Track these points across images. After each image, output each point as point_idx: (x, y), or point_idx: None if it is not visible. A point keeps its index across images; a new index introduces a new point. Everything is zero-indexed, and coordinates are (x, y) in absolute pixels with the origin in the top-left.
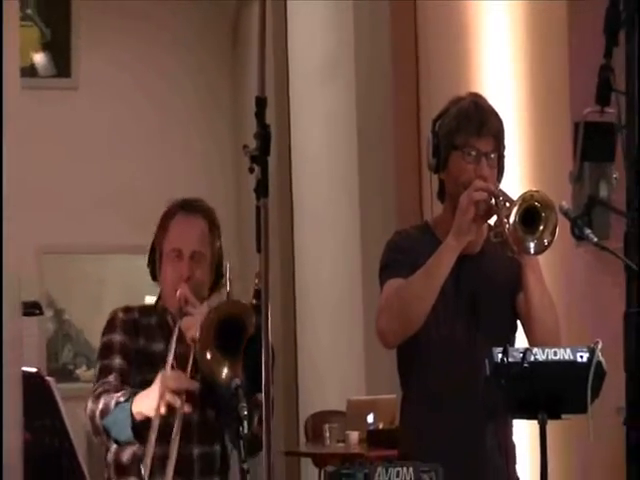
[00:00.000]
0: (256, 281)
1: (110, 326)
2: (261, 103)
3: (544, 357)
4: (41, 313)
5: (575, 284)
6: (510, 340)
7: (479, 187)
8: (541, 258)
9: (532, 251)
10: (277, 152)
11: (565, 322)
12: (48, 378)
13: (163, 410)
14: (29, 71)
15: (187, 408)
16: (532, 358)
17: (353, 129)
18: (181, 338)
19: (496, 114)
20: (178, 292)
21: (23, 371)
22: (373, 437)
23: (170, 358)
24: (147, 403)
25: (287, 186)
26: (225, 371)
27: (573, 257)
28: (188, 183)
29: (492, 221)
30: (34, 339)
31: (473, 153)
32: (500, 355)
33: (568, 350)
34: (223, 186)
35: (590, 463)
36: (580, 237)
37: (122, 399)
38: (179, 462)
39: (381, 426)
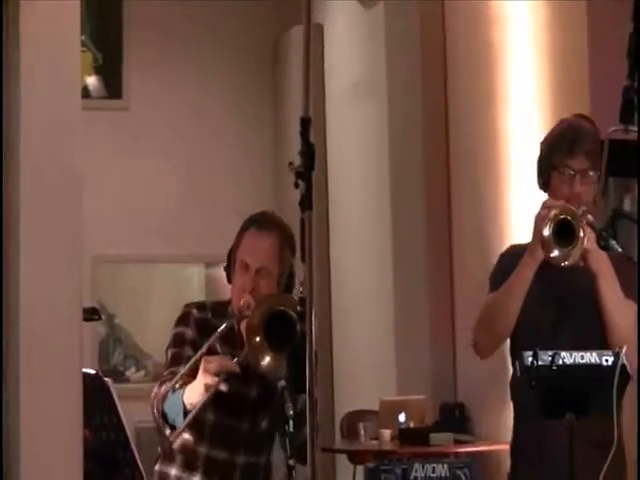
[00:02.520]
0: (300, 289)
1: (183, 320)
2: (305, 123)
3: (572, 360)
4: (99, 318)
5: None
6: (603, 345)
7: (547, 205)
8: None
9: (553, 255)
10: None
11: None
12: (106, 379)
13: (203, 392)
14: (82, 93)
15: (224, 387)
16: (560, 361)
17: (385, 144)
18: (241, 341)
19: (591, 133)
20: (242, 300)
21: (84, 372)
22: (405, 435)
23: (213, 341)
24: (194, 392)
25: (323, 199)
26: (267, 360)
27: None
28: (231, 197)
29: None
30: (87, 342)
31: (568, 172)
32: (530, 358)
33: (594, 354)
34: (264, 199)
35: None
36: (605, 247)
37: (177, 385)
38: (221, 468)
39: (412, 425)
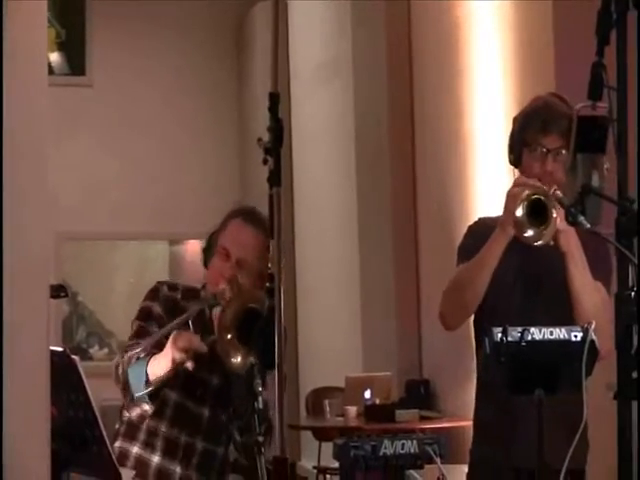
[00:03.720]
0: (269, 265)
1: (153, 295)
2: (274, 98)
3: (541, 336)
4: (66, 295)
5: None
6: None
7: (520, 183)
8: None
9: (527, 234)
10: None
11: None
12: (74, 356)
13: (168, 366)
14: None
15: (190, 365)
16: (529, 337)
17: (351, 122)
18: (211, 327)
19: (565, 112)
20: (219, 287)
21: (51, 350)
22: (370, 412)
23: (188, 320)
24: (159, 364)
25: (288, 177)
26: (239, 359)
27: None
28: (197, 175)
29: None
30: (51, 320)
31: (540, 149)
32: (499, 334)
33: (563, 330)
34: (230, 177)
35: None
36: (574, 223)
37: (142, 355)
38: (181, 450)
39: (377, 401)
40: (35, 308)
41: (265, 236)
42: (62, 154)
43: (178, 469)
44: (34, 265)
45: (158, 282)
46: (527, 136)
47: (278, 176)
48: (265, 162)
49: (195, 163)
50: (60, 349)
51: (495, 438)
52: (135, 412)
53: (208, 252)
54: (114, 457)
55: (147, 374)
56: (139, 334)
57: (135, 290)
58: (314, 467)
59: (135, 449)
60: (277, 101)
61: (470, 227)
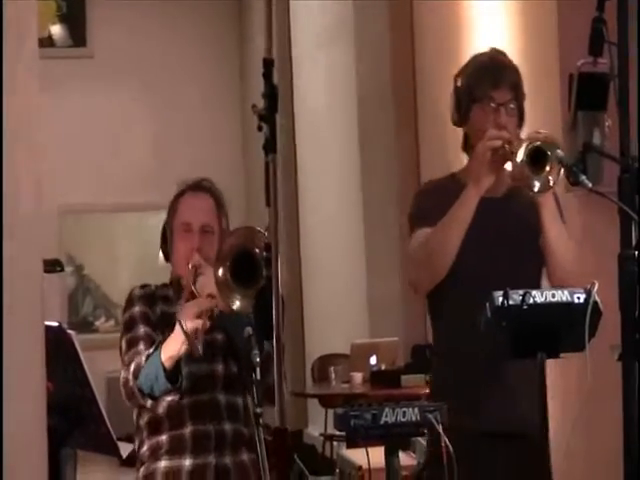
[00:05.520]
0: (266, 234)
1: (128, 303)
2: (268, 64)
3: (542, 299)
4: (62, 270)
5: (569, 228)
6: (537, 280)
7: (493, 136)
8: None
9: (536, 189)
10: (280, 112)
11: None
12: (69, 331)
13: (183, 340)
14: (47, 42)
15: (208, 323)
16: (531, 300)
17: (353, 89)
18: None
19: (512, 66)
20: (190, 262)
21: (46, 325)
22: (376, 378)
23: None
24: (174, 344)
25: (291, 144)
26: (237, 303)
27: (564, 202)
28: (198, 144)
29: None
30: (56, 294)
31: (492, 104)
32: (500, 298)
33: (565, 292)
34: (231, 145)
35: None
36: (575, 183)
37: (150, 351)
38: (208, 408)
39: (383, 367)
40: (28, 283)
41: (216, 197)
42: (62, 126)
43: (211, 427)
44: (25, 239)
45: (130, 290)
46: (477, 91)
47: (273, 143)
48: (260, 129)
49: (196, 132)
50: (55, 324)
51: (463, 404)
52: (162, 407)
53: (166, 245)
54: (112, 433)
55: (162, 364)
56: (132, 345)
57: (140, 261)
58: (321, 434)
59: (164, 436)
60: (271, 67)
61: (420, 191)
